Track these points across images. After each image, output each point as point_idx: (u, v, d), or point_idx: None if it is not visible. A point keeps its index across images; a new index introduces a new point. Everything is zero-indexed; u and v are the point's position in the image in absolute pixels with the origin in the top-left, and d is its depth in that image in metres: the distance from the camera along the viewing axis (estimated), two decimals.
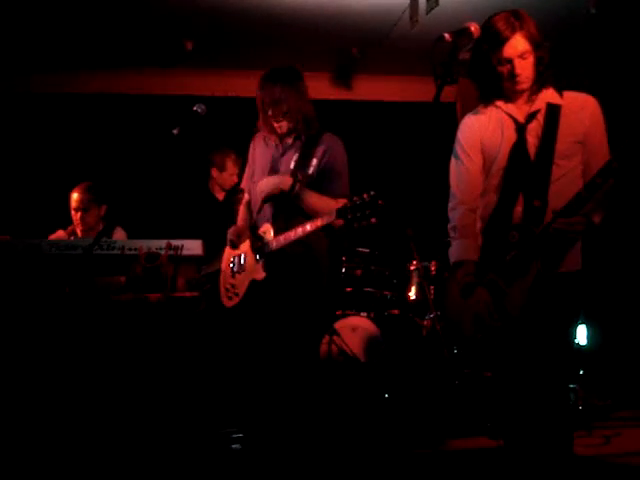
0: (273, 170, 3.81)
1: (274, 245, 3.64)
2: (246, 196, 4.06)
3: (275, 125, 3.70)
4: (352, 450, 4.44)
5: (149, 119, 6.52)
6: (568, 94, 2.96)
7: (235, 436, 4.41)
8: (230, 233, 3.91)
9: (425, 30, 5.22)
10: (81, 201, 4.96)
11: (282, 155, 3.81)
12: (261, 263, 3.70)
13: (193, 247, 4.28)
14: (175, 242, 4.26)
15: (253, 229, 3.81)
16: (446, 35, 2.78)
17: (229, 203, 5.30)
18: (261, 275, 3.69)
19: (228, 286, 3.94)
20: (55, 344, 4.27)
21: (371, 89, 7.16)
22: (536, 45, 2.86)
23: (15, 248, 4.22)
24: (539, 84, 2.92)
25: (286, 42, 6.20)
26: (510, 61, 2.85)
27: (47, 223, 5.30)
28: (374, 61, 6.62)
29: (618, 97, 5.71)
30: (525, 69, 2.87)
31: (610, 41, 6.07)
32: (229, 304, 3.92)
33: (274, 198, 3.70)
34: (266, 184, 3.73)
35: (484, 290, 2.91)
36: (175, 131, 3.62)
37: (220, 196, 5.49)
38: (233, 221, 4.14)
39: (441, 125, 3.18)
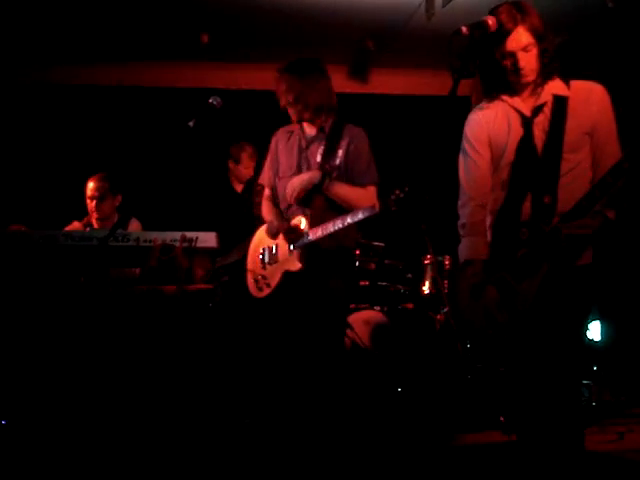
0: (299, 163, 3.89)
1: (311, 236, 3.67)
2: (267, 191, 4.09)
3: (290, 111, 3.87)
4: (363, 443, 4.44)
5: (165, 111, 6.54)
6: (575, 84, 2.91)
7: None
8: (273, 227, 3.93)
9: (441, 23, 5.21)
10: (96, 189, 4.99)
11: (307, 147, 3.90)
12: (296, 254, 3.72)
13: (208, 239, 4.29)
14: (189, 234, 4.27)
15: (286, 221, 3.84)
16: (463, 28, 2.75)
17: (246, 195, 5.34)
18: (297, 266, 3.72)
19: (258, 277, 3.96)
20: (70, 335, 4.30)
21: (387, 82, 7.15)
22: (539, 37, 2.82)
23: (31, 239, 4.25)
24: (544, 76, 2.88)
25: (302, 35, 6.19)
26: (513, 54, 2.81)
27: (62, 214, 5.33)
28: (390, 54, 6.61)
29: (632, 92, 5.68)
30: (529, 62, 2.83)
31: (626, 35, 6.03)
32: (260, 295, 3.94)
33: (306, 194, 3.76)
34: (298, 181, 3.79)
35: (493, 288, 2.90)
36: (191, 123, 3.63)
37: (238, 188, 5.53)
38: (250, 213, 4.16)
39: (457, 119, 3.16)
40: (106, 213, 5.02)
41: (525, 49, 2.82)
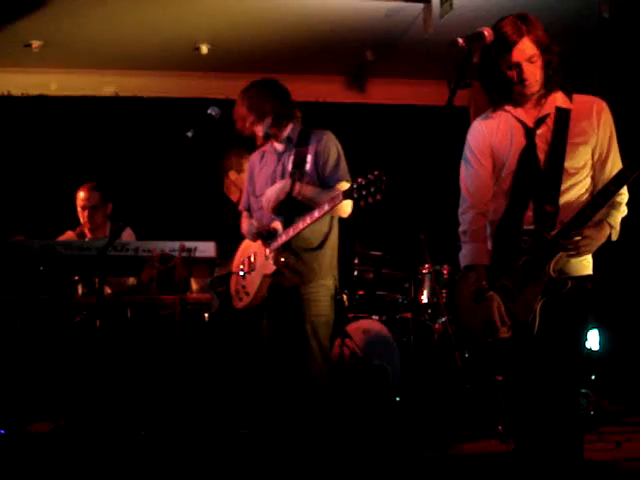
0: (274, 178, 3.92)
1: (283, 237, 3.69)
2: (244, 213, 4.13)
3: (256, 133, 3.90)
4: (361, 452, 4.45)
5: (164, 121, 6.55)
6: (578, 97, 2.95)
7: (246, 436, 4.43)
8: (253, 228, 3.93)
9: (439, 34, 5.24)
10: (88, 199, 5.00)
11: (279, 161, 3.94)
12: (271, 257, 3.74)
13: (206, 249, 4.30)
14: (188, 244, 4.28)
15: (265, 230, 3.85)
16: (459, 40, 2.78)
17: None
18: (272, 269, 3.73)
19: (239, 287, 3.97)
20: (68, 344, 4.31)
21: (385, 92, 7.17)
22: (544, 49, 2.85)
23: (30, 248, 4.26)
24: (548, 88, 2.92)
25: (301, 46, 6.22)
26: (518, 65, 2.84)
27: (55, 224, 5.34)
28: (388, 64, 6.63)
29: (630, 102, 5.70)
30: (533, 73, 2.86)
31: (623, 46, 6.06)
32: (239, 305, 3.95)
33: (281, 204, 3.78)
34: (270, 193, 3.81)
35: (496, 295, 2.92)
36: (189, 133, 3.65)
37: (235, 198, 5.52)
38: None
39: (454, 129, 3.18)
40: (98, 223, 5.02)
41: (530, 60, 2.84)
